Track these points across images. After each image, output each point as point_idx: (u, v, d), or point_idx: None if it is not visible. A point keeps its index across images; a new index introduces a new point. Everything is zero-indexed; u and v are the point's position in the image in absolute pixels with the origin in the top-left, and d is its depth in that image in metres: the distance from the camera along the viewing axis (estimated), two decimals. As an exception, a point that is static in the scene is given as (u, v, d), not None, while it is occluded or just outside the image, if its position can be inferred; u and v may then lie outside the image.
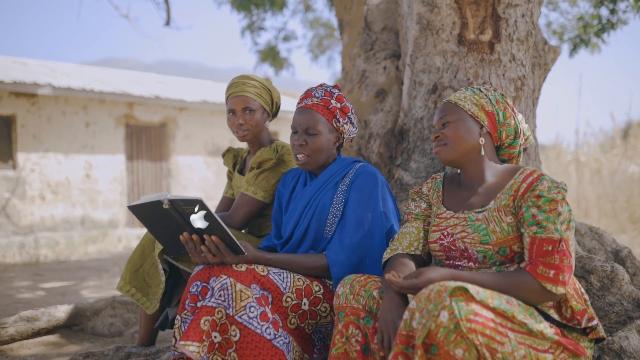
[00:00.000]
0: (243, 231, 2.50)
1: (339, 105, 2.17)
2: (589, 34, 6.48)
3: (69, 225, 10.05)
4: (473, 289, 1.54)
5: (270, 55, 8.46)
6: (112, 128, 10.67)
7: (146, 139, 11.28)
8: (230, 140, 12.39)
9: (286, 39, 8.63)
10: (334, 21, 9.81)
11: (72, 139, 10.14)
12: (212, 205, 10.86)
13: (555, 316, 1.72)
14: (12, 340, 3.15)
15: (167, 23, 7.33)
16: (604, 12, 6.09)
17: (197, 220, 1.91)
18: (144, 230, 10.64)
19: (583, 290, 1.79)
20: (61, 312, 3.39)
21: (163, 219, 1.97)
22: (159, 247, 2.32)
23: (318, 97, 2.17)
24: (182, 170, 11.76)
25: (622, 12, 5.90)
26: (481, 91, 1.94)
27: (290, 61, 8.70)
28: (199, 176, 12.05)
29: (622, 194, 8.62)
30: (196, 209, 1.89)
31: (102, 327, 3.45)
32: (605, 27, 6.13)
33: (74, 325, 3.45)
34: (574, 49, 6.59)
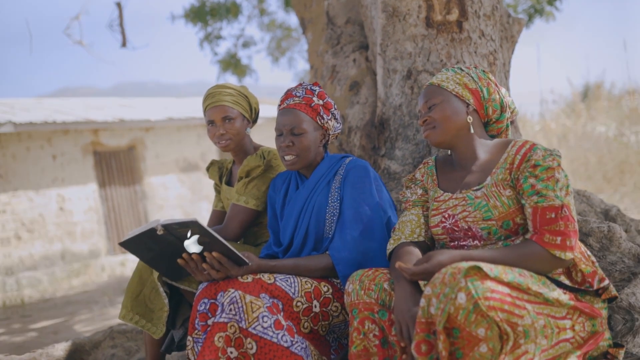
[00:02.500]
0: (239, 242, 2.46)
1: (321, 102, 2.14)
2: (541, 3, 6.59)
3: (49, 261, 9.82)
4: (486, 266, 1.53)
5: (232, 64, 8.39)
6: (80, 157, 10.45)
7: (116, 163, 11.07)
8: (201, 154, 12.25)
9: (245, 45, 8.57)
10: (292, 22, 9.77)
11: (40, 174, 9.90)
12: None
13: (567, 282, 1.73)
14: (13, 386, 3.05)
15: (124, 44, 7.21)
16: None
17: (191, 245, 1.87)
18: (127, 257, 10.46)
19: (589, 253, 1.81)
20: (59, 350, 3.29)
21: (158, 246, 1.93)
22: (156, 269, 2.27)
23: (299, 96, 2.14)
24: (157, 190, 11.59)
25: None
26: (462, 70, 1.94)
27: (252, 67, 8.64)
28: (175, 194, 11.89)
29: (592, 156, 8.79)
30: (189, 234, 1.85)
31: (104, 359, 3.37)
32: (557, -6, 6.24)
33: (75, 362, 3.36)
34: (529, 20, 6.69)
